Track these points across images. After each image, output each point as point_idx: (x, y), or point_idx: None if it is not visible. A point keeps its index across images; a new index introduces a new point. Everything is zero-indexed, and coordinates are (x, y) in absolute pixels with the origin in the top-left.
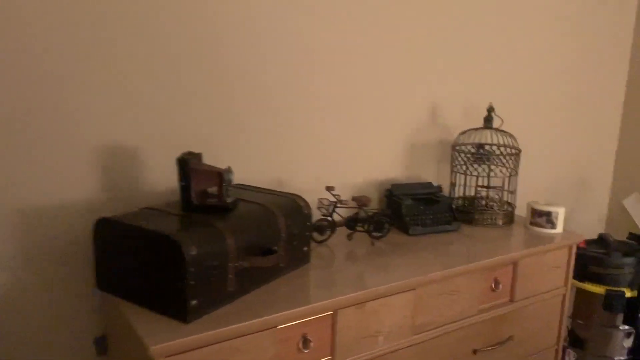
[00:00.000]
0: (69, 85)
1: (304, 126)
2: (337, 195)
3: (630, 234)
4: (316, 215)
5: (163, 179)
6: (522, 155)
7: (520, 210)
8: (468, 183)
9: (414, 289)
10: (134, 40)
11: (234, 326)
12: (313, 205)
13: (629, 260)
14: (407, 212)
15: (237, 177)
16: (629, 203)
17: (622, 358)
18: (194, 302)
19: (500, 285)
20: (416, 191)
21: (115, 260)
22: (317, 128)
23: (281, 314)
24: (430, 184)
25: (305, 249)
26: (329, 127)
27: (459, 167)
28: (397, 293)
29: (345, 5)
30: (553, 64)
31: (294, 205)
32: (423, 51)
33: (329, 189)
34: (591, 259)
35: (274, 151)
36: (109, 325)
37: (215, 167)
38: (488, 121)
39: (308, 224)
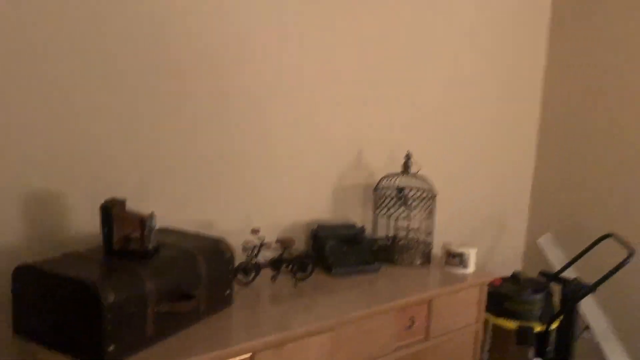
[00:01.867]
0: None
1: (232, 169)
2: (262, 237)
3: (541, 272)
4: (243, 256)
5: (89, 222)
6: (441, 197)
7: (440, 250)
8: (392, 224)
9: (333, 330)
10: (54, 78)
11: None
12: (240, 247)
13: (539, 296)
14: (331, 253)
15: (167, 220)
16: (542, 243)
17: None
18: (111, 347)
19: (416, 323)
20: (340, 232)
21: (34, 306)
22: (244, 171)
23: (198, 357)
24: (353, 225)
25: (228, 292)
26: (257, 169)
27: (381, 209)
28: (316, 334)
29: (269, 45)
30: (468, 109)
31: (216, 249)
32: (349, 96)
33: (254, 231)
34: (505, 296)
35: (202, 194)
36: None
37: (138, 213)
38: (406, 167)
39: (230, 267)
